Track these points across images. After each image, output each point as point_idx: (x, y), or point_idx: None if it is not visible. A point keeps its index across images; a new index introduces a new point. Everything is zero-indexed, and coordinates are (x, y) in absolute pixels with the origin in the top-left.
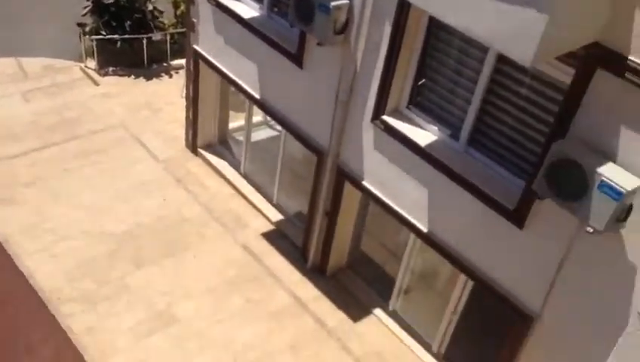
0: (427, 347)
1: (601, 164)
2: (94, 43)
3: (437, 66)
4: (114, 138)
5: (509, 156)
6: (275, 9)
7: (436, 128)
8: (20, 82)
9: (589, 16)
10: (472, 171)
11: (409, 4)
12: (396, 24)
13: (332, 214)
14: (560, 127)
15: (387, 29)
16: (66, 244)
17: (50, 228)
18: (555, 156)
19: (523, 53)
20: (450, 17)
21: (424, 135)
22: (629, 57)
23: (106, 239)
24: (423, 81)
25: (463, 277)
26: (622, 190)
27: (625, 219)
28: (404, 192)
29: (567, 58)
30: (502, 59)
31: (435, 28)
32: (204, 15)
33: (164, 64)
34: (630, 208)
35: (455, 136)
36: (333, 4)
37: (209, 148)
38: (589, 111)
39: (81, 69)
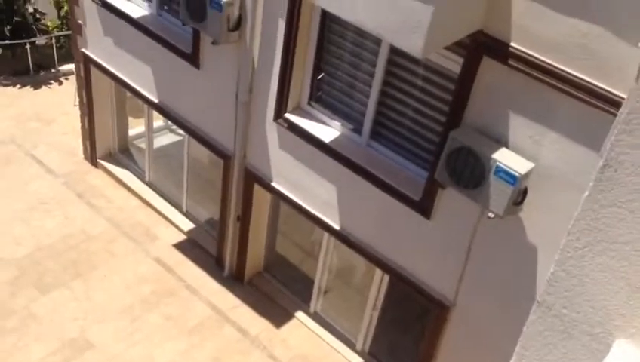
0: (351, 345)
1: (495, 150)
2: None
3: (334, 61)
4: (4, 155)
5: (411, 147)
6: (165, 7)
7: (339, 123)
8: None
9: (471, 5)
10: (376, 164)
11: None
12: (289, 18)
13: (244, 218)
14: (454, 116)
15: (281, 24)
16: None
17: None
18: (452, 145)
19: (413, 45)
20: (340, 10)
21: (327, 131)
22: (511, 44)
23: (5, 266)
24: (322, 75)
25: (379, 272)
26: (516, 174)
27: (522, 202)
28: (313, 191)
29: (456, 47)
30: (395, 50)
31: (329, 21)
32: (90, 16)
33: (52, 70)
34: (525, 191)
35: (357, 130)
36: (224, 0)
37: (110, 158)
38: (479, 99)
39: None
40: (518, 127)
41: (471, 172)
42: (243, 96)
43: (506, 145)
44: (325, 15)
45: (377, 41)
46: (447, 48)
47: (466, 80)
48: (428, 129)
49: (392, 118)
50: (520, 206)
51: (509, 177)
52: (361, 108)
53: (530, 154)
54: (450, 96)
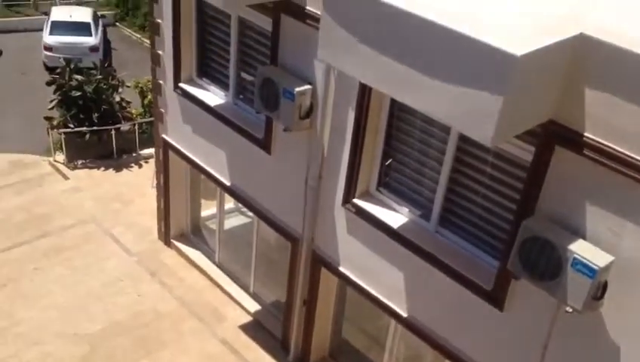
0: None
1: (571, 241)
2: (62, 136)
3: (402, 147)
4: (85, 233)
5: (482, 235)
6: (241, 96)
7: (407, 209)
8: None
9: (543, 94)
10: (446, 251)
11: (370, 88)
12: (359, 107)
13: (310, 302)
14: (527, 204)
15: (351, 113)
16: (38, 349)
17: (21, 332)
18: (525, 234)
19: (483, 134)
20: (410, 99)
21: (395, 216)
22: (585, 134)
23: (79, 341)
24: (390, 161)
25: None
26: (595, 267)
27: (602, 296)
28: (380, 276)
29: (527, 136)
30: (464, 138)
31: (398, 109)
32: (171, 104)
33: (134, 154)
34: (605, 285)
35: (426, 216)
36: (297, 89)
37: (182, 238)
38: (553, 188)
39: (50, 163)
40: (596, 217)
41: (546, 263)
42: (312, 181)
43: (584, 236)
44: (394, 103)
45: (446, 129)
46: (517, 137)
47: (538, 169)
48: (499, 217)
49: (462, 205)
50: (600, 301)
51: (588, 270)
52: (430, 194)
53: (610, 246)
54: (522, 184)
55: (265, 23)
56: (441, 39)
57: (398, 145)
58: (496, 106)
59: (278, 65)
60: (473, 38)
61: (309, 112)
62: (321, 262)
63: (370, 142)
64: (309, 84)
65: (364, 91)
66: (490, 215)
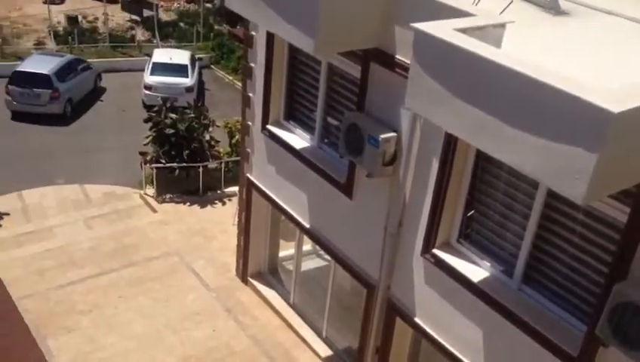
0: None
1: None
2: (154, 171)
3: (486, 199)
4: (168, 265)
5: (568, 296)
6: (326, 140)
7: (488, 264)
8: (83, 209)
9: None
10: (528, 310)
11: (456, 137)
12: (444, 156)
13: (383, 351)
14: (619, 267)
15: (435, 162)
16: None
17: (103, 358)
18: (617, 299)
19: (574, 191)
20: (498, 152)
21: (476, 270)
22: None
23: None
24: (473, 213)
25: None
26: None
27: None
28: (456, 331)
29: (622, 195)
30: (553, 194)
31: (483, 160)
32: (257, 145)
33: (219, 191)
34: None
35: (509, 272)
36: (382, 136)
37: (259, 277)
38: None
39: (141, 196)
40: None
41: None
42: (392, 228)
43: None
44: (480, 154)
45: (534, 183)
46: (611, 196)
47: (633, 230)
48: (588, 278)
49: (548, 263)
50: None
51: None
52: (514, 249)
53: None
54: (615, 246)
55: (354, 69)
56: (534, 93)
57: (482, 197)
58: (589, 164)
59: (365, 112)
60: (569, 93)
61: (393, 159)
62: (397, 312)
63: (453, 192)
64: (394, 131)
65: (450, 141)
66: (578, 276)
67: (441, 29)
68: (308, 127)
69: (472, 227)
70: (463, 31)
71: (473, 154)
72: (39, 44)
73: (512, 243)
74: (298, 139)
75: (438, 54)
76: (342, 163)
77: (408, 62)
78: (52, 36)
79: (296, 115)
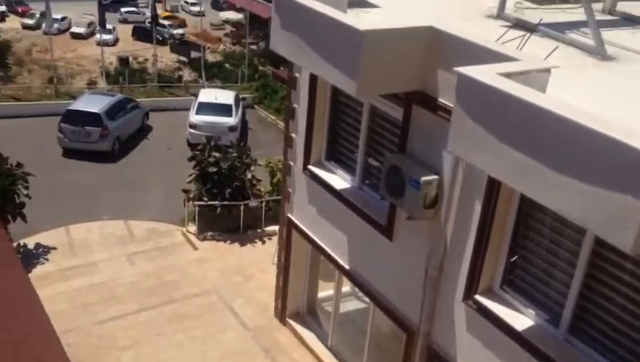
0: None
1: None
2: (196, 208)
3: (531, 245)
4: (207, 303)
5: (617, 349)
6: (367, 181)
7: (533, 312)
8: (126, 244)
9: None
10: None
11: (499, 182)
12: (487, 200)
13: None
14: None
15: (478, 206)
16: None
17: None
18: None
19: (623, 240)
20: (542, 197)
21: (520, 318)
22: None
23: None
24: (516, 258)
25: None
26: None
27: None
28: None
29: None
30: (601, 242)
31: (527, 205)
32: (298, 185)
33: (259, 230)
34: None
35: (554, 322)
36: (423, 179)
37: (297, 317)
38: None
39: (183, 233)
40: None
41: None
42: (433, 272)
43: None
44: (524, 198)
45: (581, 230)
46: None
47: None
48: (638, 331)
49: (596, 313)
50: None
51: None
52: (560, 298)
53: None
54: None
55: (395, 111)
56: (580, 138)
57: (526, 243)
58: (639, 212)
59: (406, 154)
60: (616, 139)
61: (434, 202)
62: (437, 359)
63: (496, 237)
64: (436, 174)
65: (493, 184)
66: (628, 328)
67: (484, 74)
68: (349, 168)
69: (515, 273)
70: (507, 75)
71: (517, 199)
72: (91, 84)
73: (557, 292)
74: (339, 180)
75: (482, 98)
76: (382, 204)
77: (451, 105)
78: (104, 76)
79: (337, 155)
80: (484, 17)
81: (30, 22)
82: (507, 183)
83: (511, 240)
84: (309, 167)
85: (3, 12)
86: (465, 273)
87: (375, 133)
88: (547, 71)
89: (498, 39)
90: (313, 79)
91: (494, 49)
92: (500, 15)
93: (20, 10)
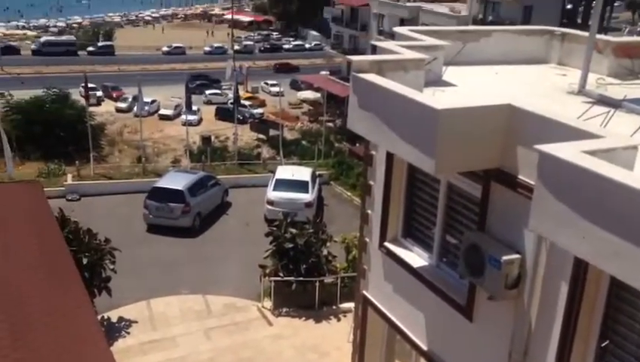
0: None
1: None
2: (272, 284)
3: (622, 329)
4: None
5: None
6: (445, 259)
7: None
8: (204, 319)
9: None
10: None
11: (586, 262)
12: (573, 281)
13: None
14: None
15: (564, 286)
16: None
17: None
18: None
19: None
20: (634, 280)
21: None
22: None
23: None
24: (607, 343)
25: None
26: None
27: None
28: None
29: None
30: None
31: (617, 286)
32: (374, 261)
33: (334, 307)
34: None
35: None
36: (504, 258)
37: None
38: None
39: (258, 308)
40: None
41: None
42: (517, 356)
43: None
44: (614, 279)
45: None
46: None
47: None
48: None
49: None
50: None
51: None
52: None
53: None
54: None
55: (474, 189)
56: None
57: (618, 327)
58: None
59: (486, 231)
60: None
61: (517, 282)
62: None
63: (584, 319)
64: (518, 253)
65: (580, 265)
66: None
67: (568, 151)
68: (426, 246)
69: (606, 359)
70: (592, 153)
71: (607, 280)
72: (176, 162)
73: None
74: (416, 257)
75: (565, 176)
76: (462, 283)
77: (532, 182)
78: (187, 154)
79: (414, 232)
80: (565, 94)
81: (123, 105)
82: (594, 264)
83: (601, 323)
84: (386, 243)
85: (99, 97)
86: (552, 358)
87: (453, 210)
88: (634, 148)
89: (580, 116)
90: (390, 156)
91: (577, 126)
92: (581, 91)
93: (114, 94)
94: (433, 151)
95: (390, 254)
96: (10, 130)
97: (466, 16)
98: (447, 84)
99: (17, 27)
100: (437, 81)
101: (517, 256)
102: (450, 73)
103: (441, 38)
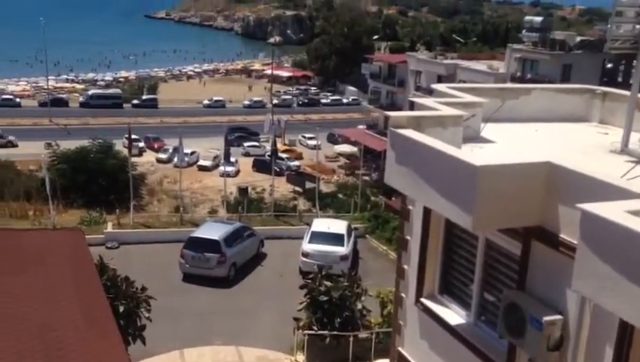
0: None
1: None
2: (306, 337)
3: None
4: None
5: None
6: (483, 318)
7: None
8: None
9: None
10: None
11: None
12: (619, 345)
13: None
14: None
15: (609, 351)
16: None
17: None
18: None
19: None
20: None
21: None
22: None
23: None
24: None
25: None
26: None
27: None
28: None
29: None
30: None
31: None
32: (410, 318)
33: None
34: None
35: None
36: (545, 319)
37: None
38: None
39: None
40: None
41: None
42: None
43: None
44: None
45: None
46: None
47: None
48: None
49: None
50: None
51: None
52: None
53: None
54: None
55: (513, 246)
56: None
57: None
58: None
59: (526, 291)
60: None
61: (559, 344)
62: None
63: None
64: (560, 313)
65: (626, 328)
66: None
67: (611, 211)
68: (464, 303)
69: None
70: (636, 213)
71: None
72: (213, 212)
73: None
74: (453, 315)
75: (609, 237)
76: (501, 343)
77: (574, 241)
78: (224, 205)
79: (451, 289)
80: (607, 153)
81: (163, 156)
82: None
83: None
84: (422, 299)
85: (141, 148)
86: None
87: (491, 268)
88: None
89: (624, 175)
90: (427, 212)
91: (620, 185)
92: (623, 150)
93: (155, 145)
94: (471, 208)
95: (427, 310)
96: (55, 179)
97: (504, 73)
98: (485, 140)
99: (67, 80)
100: (475, 138)
101: (559, 316)
102: (488, 130)
103: (479, 95)
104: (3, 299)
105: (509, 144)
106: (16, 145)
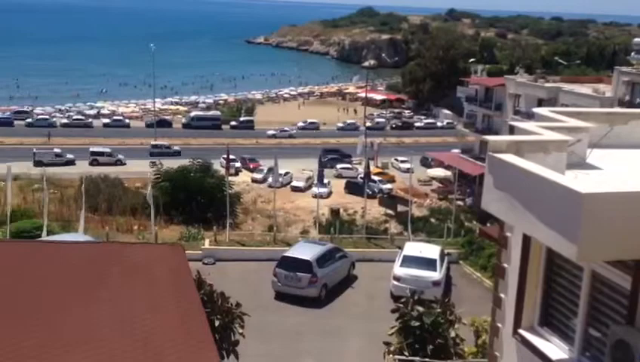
0: None
1: None
2: None
3: None
4: None
5: None
6: (587, 354)
7: None
8: None
9: None
10: None
11: None
12: None
13: None
14: None
15: None
16: None
17: None
18: None
19: None
20: None
21: None
22: None
23: None
24: None
25: None
26: None
27: None
28: None
29: None
30: None
31: None
32: (507, 349)
33: None
34: None
35: None
36: None
37: None
38: None
39: None
40: None
41: None
42: None
43: None
44: None
45: None
46: None
47: None
48: None
49: None
50: None
51: None
52: None
53: None
54: None
55: (622, 279)
56: None
57: None
58: None
59: (636, 327)
60: None
61: None
62: None
63: None
64: None
65: None
66: None
67: None
68: (566, 337)
69: None
70: None
71: None
72: (304, 233)
73: None
74: (554, 349)
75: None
76: None
77: None
78: (316, 226)
79: (552, 321)
80: None
81: (258, 176)
82: None
83: None
84: (520, 331)
85: (237, 168)
86: None
87: (597, 301)
88: None
89: None
90: (526, 239)
91: None
92: None
93: (251, 165)
94: (576, 237)
95: (525, 343)
96: (159, 196)
97: (611, 97)
98: (591, 167)
99: (171, 103)
100: (580, 164)
101: None
102: (594, 156)
103: (584, 120)
104: (115, 302)
105: (617, 171)
106: (124, 163)
